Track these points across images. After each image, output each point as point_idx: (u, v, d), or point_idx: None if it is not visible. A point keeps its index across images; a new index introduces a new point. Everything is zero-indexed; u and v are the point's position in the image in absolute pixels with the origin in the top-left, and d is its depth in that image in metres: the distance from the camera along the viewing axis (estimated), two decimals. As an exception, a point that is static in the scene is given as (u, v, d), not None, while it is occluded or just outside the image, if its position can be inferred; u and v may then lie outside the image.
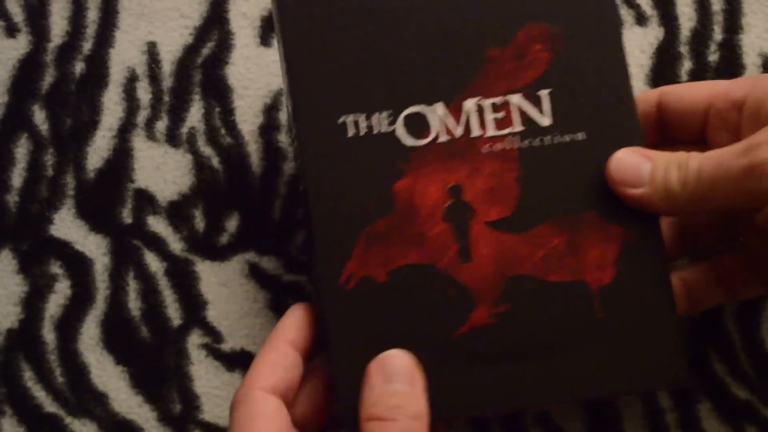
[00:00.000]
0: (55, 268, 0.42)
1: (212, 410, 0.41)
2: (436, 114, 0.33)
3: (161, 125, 0.43)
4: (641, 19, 0.42)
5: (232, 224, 0.42)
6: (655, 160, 0.32)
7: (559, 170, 0.34)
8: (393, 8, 0.34)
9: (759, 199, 0.30)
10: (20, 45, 0.43)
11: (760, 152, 0.29)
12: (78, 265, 0.42)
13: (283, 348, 0.33)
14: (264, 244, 0.42)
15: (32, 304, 0.42)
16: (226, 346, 0.41)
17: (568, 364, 0.33)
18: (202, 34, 0.43)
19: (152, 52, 0.43)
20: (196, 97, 0.43)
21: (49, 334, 0.42)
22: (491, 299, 0.33)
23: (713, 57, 0.42)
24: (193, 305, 0.42)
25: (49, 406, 0.41)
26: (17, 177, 0.43)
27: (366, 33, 0.34)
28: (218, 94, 0.43)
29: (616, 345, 0.33)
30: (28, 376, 0.42)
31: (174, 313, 0.42)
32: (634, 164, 0.33)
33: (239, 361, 0.41)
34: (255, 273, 0.42)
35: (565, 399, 0.33)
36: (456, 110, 0.34)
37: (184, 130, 0.43)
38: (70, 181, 0.42)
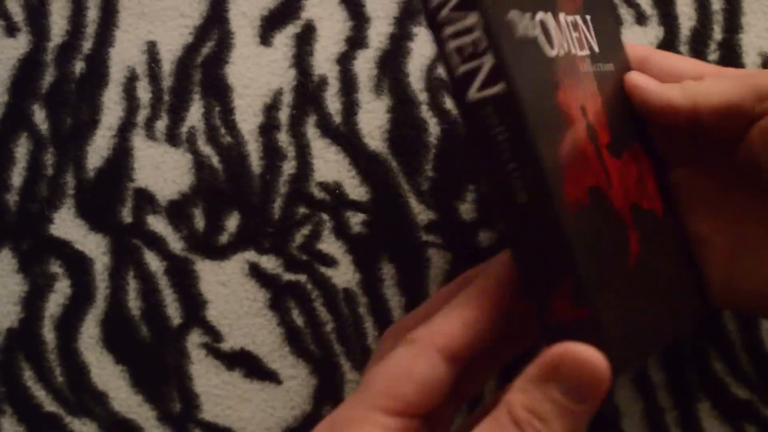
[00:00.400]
0: (55, 268, 0.42)
1: (212, 409, 0.41)
2: (555, 23, 0.30)
3: (161, 124, 0.43)
4: (641, 19, 0.42)
5: (231, 223, 0.42)
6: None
7: (613, 99, 0.32)
8: None
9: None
10: (20, 44, 0.43)
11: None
12: (78, 265, 0.42)
13: (476, 300, 0.28)
14: (264, 244, 0.42)
15: (32, 303, 0.42)
16: (226, 346, 0.41)
17: (679, 292, 0.32)
18: (202, 33, 0.43)
19: (152, 51, 0.43)
20: (196, 97, 0.43)
21: (48, 334, 0.42)
22: (632, 226, 0.30)
23: (713, 56, 0.42)
24: (193, 304, 0.42)
25: (49, 405, 0.42)
26: (17, 176, 0.43)
27: None
28: (218, 93, 0.43)
29: (686, 273, 0.33)
30: (28, 376, 0.42)
31: (174, 312, 0.42)
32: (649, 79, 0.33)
33: (239, 361, 0.41)
34: (255, 272, 0.42)
35: (689, 330, 0.33)
36: (559, 23, 0.30)
37: (184, 129, 0.43)
38: (70, 180, 0.42)
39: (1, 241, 0.43)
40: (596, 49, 0.32)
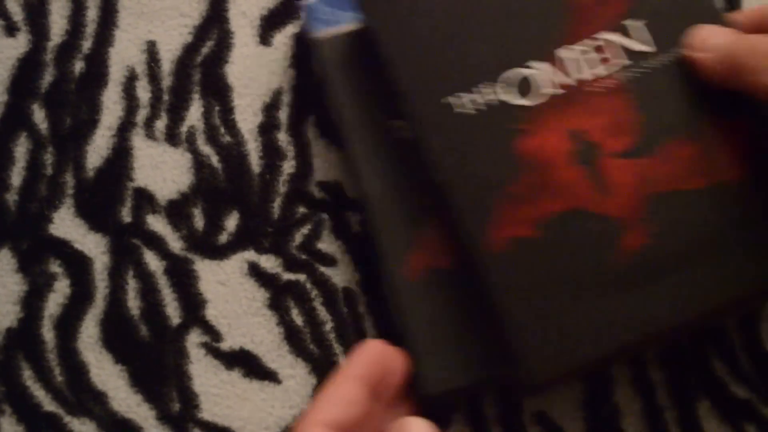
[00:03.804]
0: (55, 267, 0.42)
1: (211, 409, 0.41)
2: (541, 70, 0.35)
3: (161, 124, 0.43)
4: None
5: (231, 223, 0.42)
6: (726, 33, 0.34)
7: (672, 88, 0.35)
8: None
9: None
10: (20, 44, 0.43)
11: None
12: (77, 264, 0.42)
13: (350, 383, 0.33)
14: (263, 243, 0.42)
15: (31, 303, 0.42)
16: (225, 345, 0.41)
17: (717, 268, 0.33)
18: (201, 32, 0.43)
19: (152, 50, 0.43)
20: (196, 96, 0.43)
21: (48, 333, 0.42)
22: (637, 222, 0.34)
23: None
24: (193, 304, 0.42)
25: (48, 405, 0.41)
26: (17, 176, 0.43)
27: (450, 9, 0.36)
28: (218, 92, 0.43)
29: (760, 241, 0.34)
30: (28, 375, 0.42)
31: (173, 311, 0.42)
32: (705, 33, 0.35)
33: (238, 360, 0.41)
34: (254, 272, 0.42)
35: (723, 305, 0.34)
36: (558, 62, 0.36)
37: (184, 129, 0.43)
38: (69, 180, 0.42)
39: (1, 240, 0.43)
40: (645, 49, 0.36)
